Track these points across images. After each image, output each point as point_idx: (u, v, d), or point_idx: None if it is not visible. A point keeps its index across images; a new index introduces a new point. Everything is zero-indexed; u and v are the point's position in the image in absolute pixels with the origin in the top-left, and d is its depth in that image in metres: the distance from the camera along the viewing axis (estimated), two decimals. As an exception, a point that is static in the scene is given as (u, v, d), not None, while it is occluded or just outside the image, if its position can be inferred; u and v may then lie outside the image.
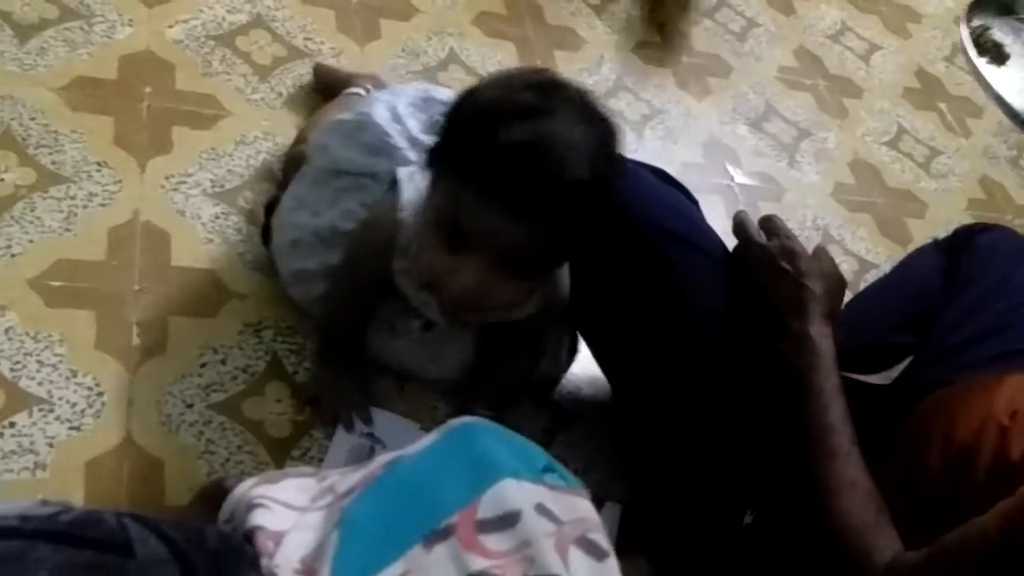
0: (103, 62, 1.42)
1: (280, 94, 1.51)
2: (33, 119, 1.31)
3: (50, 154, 1.29)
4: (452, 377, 1.25)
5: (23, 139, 1.29)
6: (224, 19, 1.56)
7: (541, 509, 0.63)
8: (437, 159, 1.01)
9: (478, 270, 0.96)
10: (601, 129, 0.96)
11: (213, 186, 1.35)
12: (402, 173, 1.12)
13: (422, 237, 1.02)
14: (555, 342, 1.30)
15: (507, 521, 0.61)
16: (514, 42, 1.73)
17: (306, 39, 1.60)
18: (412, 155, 1.17)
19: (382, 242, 1.11)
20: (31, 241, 1.20)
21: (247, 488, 0.70)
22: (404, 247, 1.10)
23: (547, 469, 0.67)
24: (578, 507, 0.65)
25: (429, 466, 0.67)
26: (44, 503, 0.60)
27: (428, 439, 0.70)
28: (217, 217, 1.32)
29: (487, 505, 0.62)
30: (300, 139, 1.40)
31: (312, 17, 1.64)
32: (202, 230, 1.30)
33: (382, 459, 0.70)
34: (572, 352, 1.34)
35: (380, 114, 1.22)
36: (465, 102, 0.98)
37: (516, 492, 0.63)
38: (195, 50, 1.50)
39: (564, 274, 1.18)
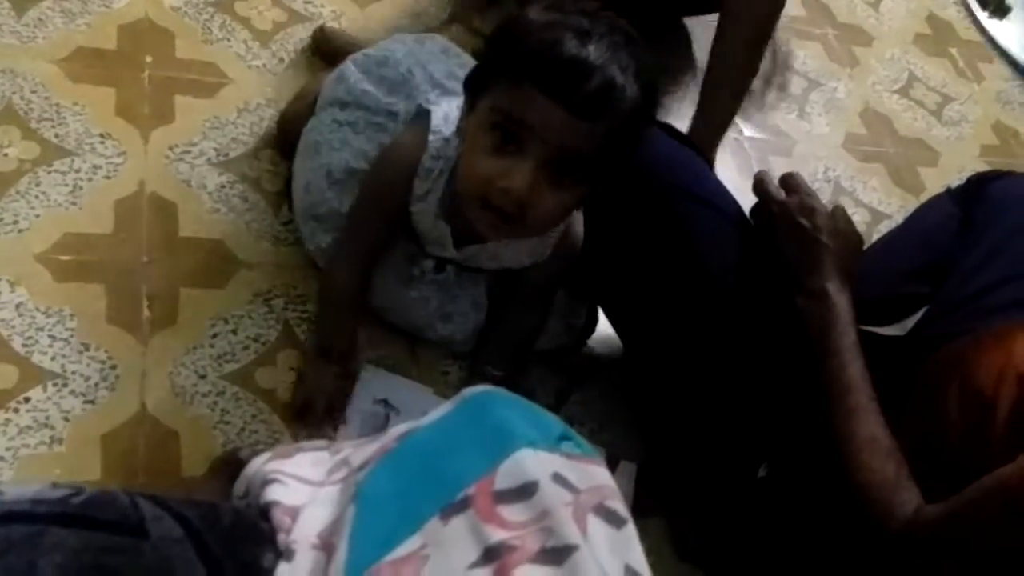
0: (102, 32, 1.40)
1: (282, 60, 1.49)
2: (34, 92, 1.30)
3: (53, 127, 1.28)
4: (462, 337, 1.25)
5: (25, 113, 1.28)
6: (223, -16, 1.54)
7: (558, 478, 0.62)
8: (484, 76, 1.03)
9: (532, 169, 0.98)
10: (645, 58, 1.01)
11: (218, 155, 1.34)
12: (429, 104, 1.13)
13: (471, 142, 1.03)
14: (566, 310, 1.30)
15: (525, 491, 0.61)
16: (517, -2, 1.70)
17: (306, 3, 1.58)
18: (433, 97, 1.17)
19: (405, 166, 1.12)
20: (37, 216, 1.19)
21: (261, 463, 0.69)
22: (427, 172, 1.11)
23: (563, 437, 0.67)
24: (595, 475, 0.65)
25: (444, 437, 0.67)
26: (56, 486, 0.60)
27: (442, 409, 0.70)
28: (223, 186, 1.31)
29: (504, 476, 0.62)
30: (300, 96, 1.39)
31: (311, -21, 1.61)
32: (208, 200, 1.29)
33: (396, 430, 0.70)
34: (589, 324, 1.34)
35: (401, 52, 1.23)
36: (516, 22, 1.02)
37: (533, 462, 0.63)
38: (194, 17, 1.48)
39: (577, 221, 1.19)
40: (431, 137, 1.11)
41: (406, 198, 1.14)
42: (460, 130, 1.08)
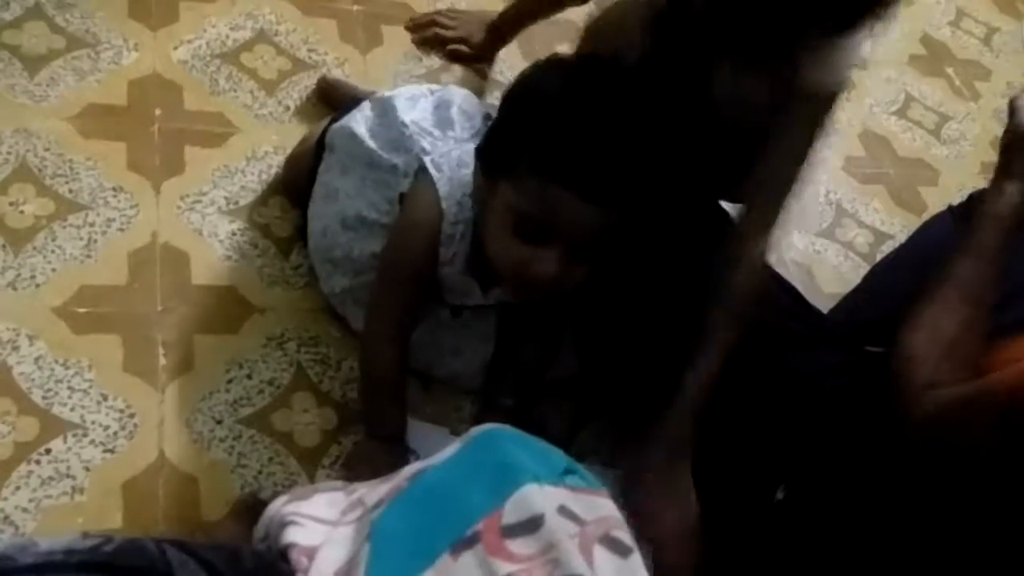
0: (112, 88, 1.44)
1: (288, 107, 1.52)
2: (48, 150, 1.34)
3: (66, 183, 1.31)
4: (472, 371, 1.27)
5: (39, 170, 1.31)
6: (228, 36, 1.58)
7: (564, 511, 0.64)
8: (497, 156, 1.04)
9: (561, 259, 1.01)
10: (655, 111, 1.01)
11: (228, 203, 1.37)
12: (428, 164, 1.14)
13: (495, 222, 1.05)
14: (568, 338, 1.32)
15: (531, 525, 0.63)
16: (516, 39, 1.73)
17: (310, 50, 1.61)
18: (427, 145, 1.18)
19: (427, 237, 1.12)
20: (54, 270, 1.23)
21: (279, 506, 0.72)
22: (449, 236, 1.12)
23: (568, 471, 0.69)
24: (600, 506, 0.66)
25: (454, 475, 0.69)
26: (86, 536, 0.62)
27: (452, 448, 0.72)
28: (234, 234, 1.34)
29: (511, 510, 0.64)
30: (305, 140, 1.41)
31: (314, 28, 1.65)
32: (220, 247, 1.32)
33: (408, 470, 0.72)
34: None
35: (399, 102, 1.24)
36: (539, 102, 1.02)
37: (538, 496, 0.64)
38: (201, 69, 1.52)
39: None
40: (444, 204, 1.11)
41: (434, 267, 1.15)
42: (476, 195, 1.10)
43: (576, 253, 1.02)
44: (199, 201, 1.36)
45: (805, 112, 1.15)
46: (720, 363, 1.12)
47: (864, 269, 1.60)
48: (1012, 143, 1.14)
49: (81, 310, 1.20)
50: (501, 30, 1.66)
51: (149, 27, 1.53)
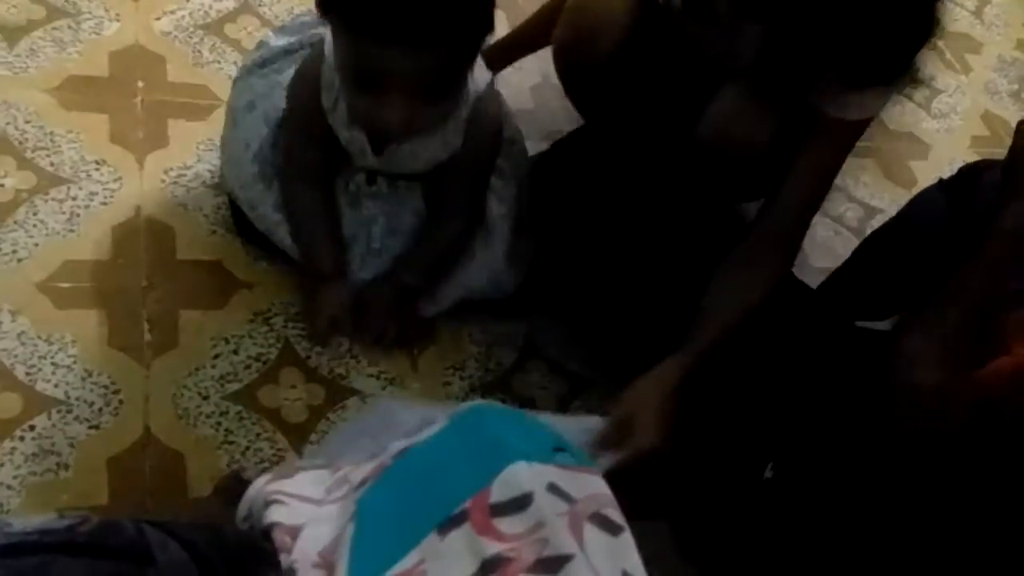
0: (93, 59, 1.42)
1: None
2: (28, 122, 1.32)
3: (48, 156, 1.29)
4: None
5: (20, 143, 1.29)
6: (211, 7, 1.55)
7: (553, 488, 0.64)
8: (328, 10, 1.05)
9: (400, 105, 1.05)
10: None
11: (212, 177, 1.35)
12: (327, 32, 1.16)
13: (343, 85, 1.10)
14: (510, 251, 1.30)
15: (519, 504, 0.62)
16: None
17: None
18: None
19: (311, 82, 1.17)
20: (36, 244, 1.21)
21: (262, 485, 0.71)
22: (329, 84, 1.16)
23: (557, 449, 0.68)
24: (590, 484, 0.66)
25: (440, 453, 0.68)
26: (61, 516, 0.61)
27: (437, 425, 0.71)
28: (219, 208, 1.32)
29: (499, 489, 0.63)
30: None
31: (299, -1, 1.63)
32: (205, 222, 1.31)
33: (394, 447, 0.71)
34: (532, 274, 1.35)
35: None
36: None
37: (527, 474, 0.64)
38: (184, 40, 1.50)
39: (491, 101, 1.22)
40: (326, 50, 1.14)
41: (322, 113, 1.18)
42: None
43: (419, 94, 1.04)
44: (184, 175, 1.34)
45: (831, 135, 1.16)
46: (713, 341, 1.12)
47: (854, 243, 1.59)
48: (1015, 162, 1.14)
49: (64, 285, 1.19)
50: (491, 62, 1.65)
51: (131, -3, 1.51)
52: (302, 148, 1.21)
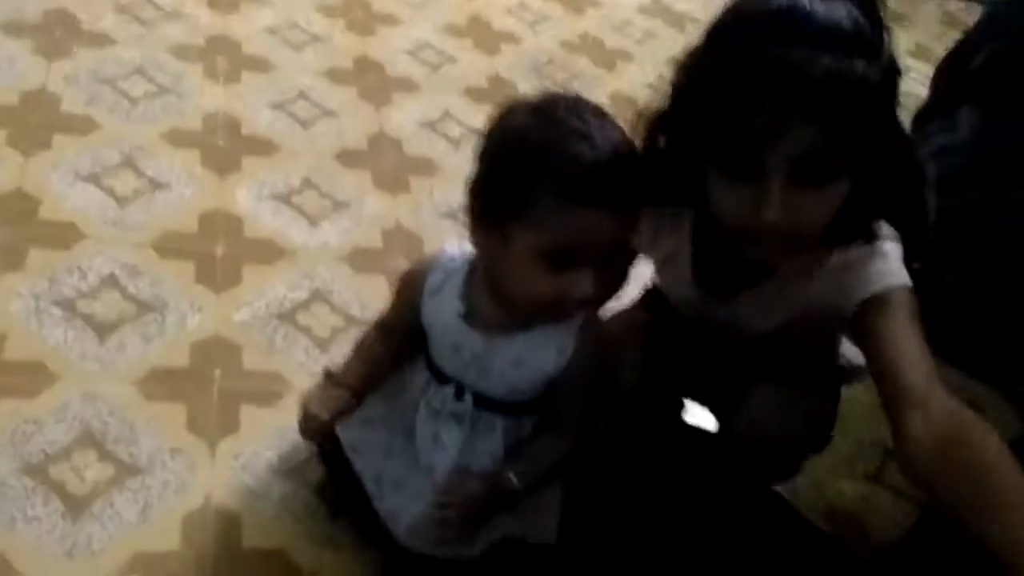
0: (176, 350, 1.52)
1: (339, 364, 1.58)
2: (111, 414, 1.39)
3: (127, 447, 1.36)
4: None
5: (101, 435, 1.36)
6: (286, 297, 1.66)
7: None
8: (501, 205, 1.07)
9: (595, 279, 1.07)
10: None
11: (280, 463, 1.40)
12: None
13: (522, 277, 1.08)
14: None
15: None
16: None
17: (362, 308, 1.69)
18: None
19: (416, 281, 1.22)
20: (110, 537, 1.25)
21: None
22: (438, 269, 1.21)
23: None
24: None
25: None
26: None
27: None
28: (285, 494, 1.36)
29: None
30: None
31: (365, 286, 1.73)
32: (270, 508, 1.34)
33: None
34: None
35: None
36: (507, 141, 1.08)
37: None
38: (259, 329, 1.59)
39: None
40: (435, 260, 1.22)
41: (418, 294, 1.21)
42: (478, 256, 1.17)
43: (603, 263, 1.08)
44: (253, 460, 1.40)
45: (870, 321, 1.06)
46: None
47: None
48: None
49: (134, 578, 1.22)
50: None
51: (213, 290, 1.63)
52: (390, 311, 1.29)
